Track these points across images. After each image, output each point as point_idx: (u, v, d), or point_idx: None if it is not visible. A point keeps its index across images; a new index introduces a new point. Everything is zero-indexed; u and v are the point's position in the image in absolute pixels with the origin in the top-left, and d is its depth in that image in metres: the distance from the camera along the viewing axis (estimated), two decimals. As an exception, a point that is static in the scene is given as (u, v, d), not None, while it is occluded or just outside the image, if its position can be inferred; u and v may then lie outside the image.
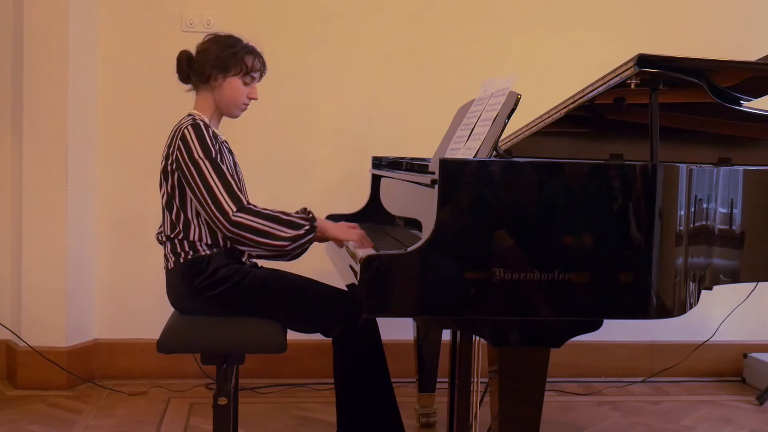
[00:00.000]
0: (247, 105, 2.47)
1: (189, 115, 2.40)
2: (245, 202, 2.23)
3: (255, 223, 2.20)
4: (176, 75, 2.47)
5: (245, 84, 2.42)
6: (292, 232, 2.21)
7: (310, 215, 2.28)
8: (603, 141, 2.79)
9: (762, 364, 3.63)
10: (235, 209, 2.20)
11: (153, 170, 3.24)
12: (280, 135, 3.55)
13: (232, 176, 2.26)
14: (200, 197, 2.23)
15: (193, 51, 2.44)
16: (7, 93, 3.47)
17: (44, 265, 3.38)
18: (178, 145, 2.27)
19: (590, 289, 1.84)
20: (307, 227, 2.23)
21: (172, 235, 2.32)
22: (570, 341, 1.89)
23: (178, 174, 2.28)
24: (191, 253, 2.29)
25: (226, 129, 2.54)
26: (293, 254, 2.26)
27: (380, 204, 2.96)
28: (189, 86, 2.47)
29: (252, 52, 2.43)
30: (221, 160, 2.27)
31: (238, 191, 2.23)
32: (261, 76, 2.48)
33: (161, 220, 2.38)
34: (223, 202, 2.21)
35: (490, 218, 1.82)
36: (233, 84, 2.40)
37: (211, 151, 2.26)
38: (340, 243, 2.37)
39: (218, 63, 2.38)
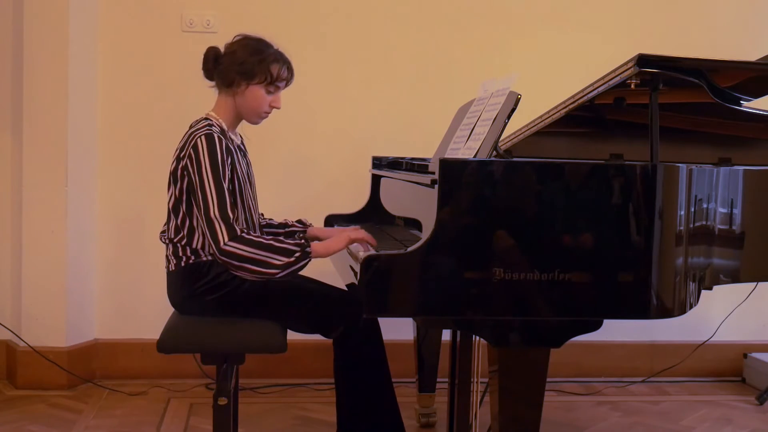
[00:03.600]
0: (269, 113, 2.41)
1: (206, 118, 2.35)
2: (238, 231, 2.18)
3: (246, 252, 2.16)
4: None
5: (269, 92, 2.36)
6: (284, 260, 2.17)
7: (303, 241, 2.23)
8: (603, 141, 2.79)
9: (762, 364, 3.63)
10: (227, 238, 2.16)
11: (153, 169, 3.26)
12: (280, 135, 3.55)
13: (233, 198, 2.23)
14: (199, 215, 2.22)
15: (221, 48, 2.37)
16: (7, 93, 3.47)
17: (44, 265, 3.38)
18: (189, 153, 2.23)
19: (590, 289, 1.84)
20: (298, 254, 2.18)
21: (175, 240, 2.31)
22: (570, 341, 1.89)
23: (188, 180, 2.26)
24: (193, 258, 2.29)
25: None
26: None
27: (380, 204, 2.96)
28: (212, 83, 2.41)
29: (280, 59, 2.36)
30: (229, 178, 2.24)
31: (233, 220, 2.18)
32: (287, 85, 2.42)
33: (166, 219, 2.37)
34: (217, 228, 2.17)
35: (490, 218, 1.82)
36: (256, 92, 2.34)
37: (219, 168, 2.21)
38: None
39: (243, 69, 2.31)
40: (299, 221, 2.65)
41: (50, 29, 3.33)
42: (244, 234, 2.18)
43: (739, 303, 3.54)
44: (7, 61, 3.46)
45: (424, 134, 3.25)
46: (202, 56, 2.39)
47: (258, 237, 2.19)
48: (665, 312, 1.90)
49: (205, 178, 2.20)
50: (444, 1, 3.64)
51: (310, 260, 2.21)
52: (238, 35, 2.39)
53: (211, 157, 2.21)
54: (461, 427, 2.52)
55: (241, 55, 2.33)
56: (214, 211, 2.18)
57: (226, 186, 2.21)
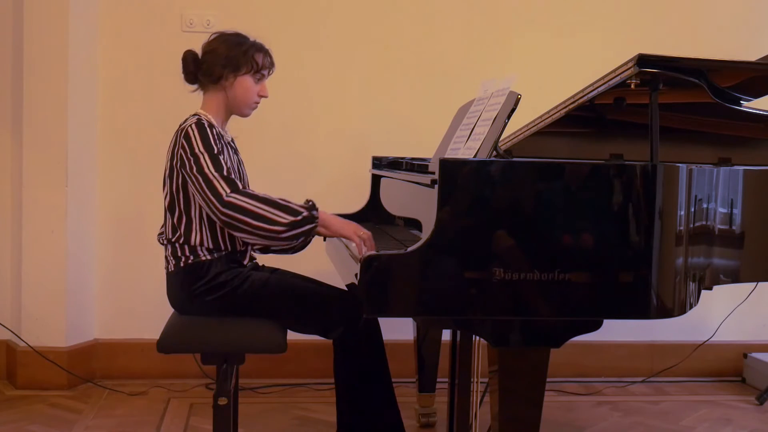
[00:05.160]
0: (258, 103, 2.45)
1: (194, 115, 2.37)
2: (240, 186, 2.19)
3: (249, 205, 2.15)
4: (179, 75, 2.44)
5: (256, 82, 2.40)
6: (288, 218, 2.15)
7: (311, 203, 2.24)
8: (603, 141, 2.79)
9: (762, 364, 3.63)
10: (228, 191, 2.16)
11: (153, 170, 3.25)
12: (280, 135, 3.55)
13: (230, 168, 2.24)
14: (197, 185, 2.21)
15: (197, 51, 2.41)
16: (7, 93, 3.47)
17: (44, 265, 3.38)
18: (182, 143, 2.25)
19: (590, 289, 1.84)
20: (305, 214, 2.17)
21: (173, 239, 2.31)
22: (570, 341, 1.89)
23: (182, 174, 2.26)
24: (192, 257, 2.28)
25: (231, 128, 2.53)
26: (292, 244, 2.20)
27: (380, 204, 2.96)
28: (195, 87, 2.44)
29: (261, 49, 2.41)
30: (222, 156, 2.25)
31: (234, 177, 2.20)
32: (269, 73, 2.46)
33: (163, 220, 2.38)
34: (217, 185, 2.17)
35: (489, 218, 1.82)
36: (244, 83, 2.38)
37: (213, 147, 2.23)
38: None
39: (229, 62, 2.35)
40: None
41: (50, 29, 3.33)
42: (247, 189, 2.19)
43: (739, 303, 3.54)
44: (7, 61, 3.46)
45: (424, 134, 3.25)
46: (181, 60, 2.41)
47: (263, 193, 2.19)
48: (665, 312, 1.90)
49: (200, 154, 2.21)
50: (444, 1, 3.64)
51: (316, 225, 2.19)
52: (213, 34, 2.43)
53: (204, 139, 2.24)
54: (461, 427, 2.52)
55: (223, 51, 2.36)
56: (211, 171, 2.19)
57: (222, 158, 2.22)
